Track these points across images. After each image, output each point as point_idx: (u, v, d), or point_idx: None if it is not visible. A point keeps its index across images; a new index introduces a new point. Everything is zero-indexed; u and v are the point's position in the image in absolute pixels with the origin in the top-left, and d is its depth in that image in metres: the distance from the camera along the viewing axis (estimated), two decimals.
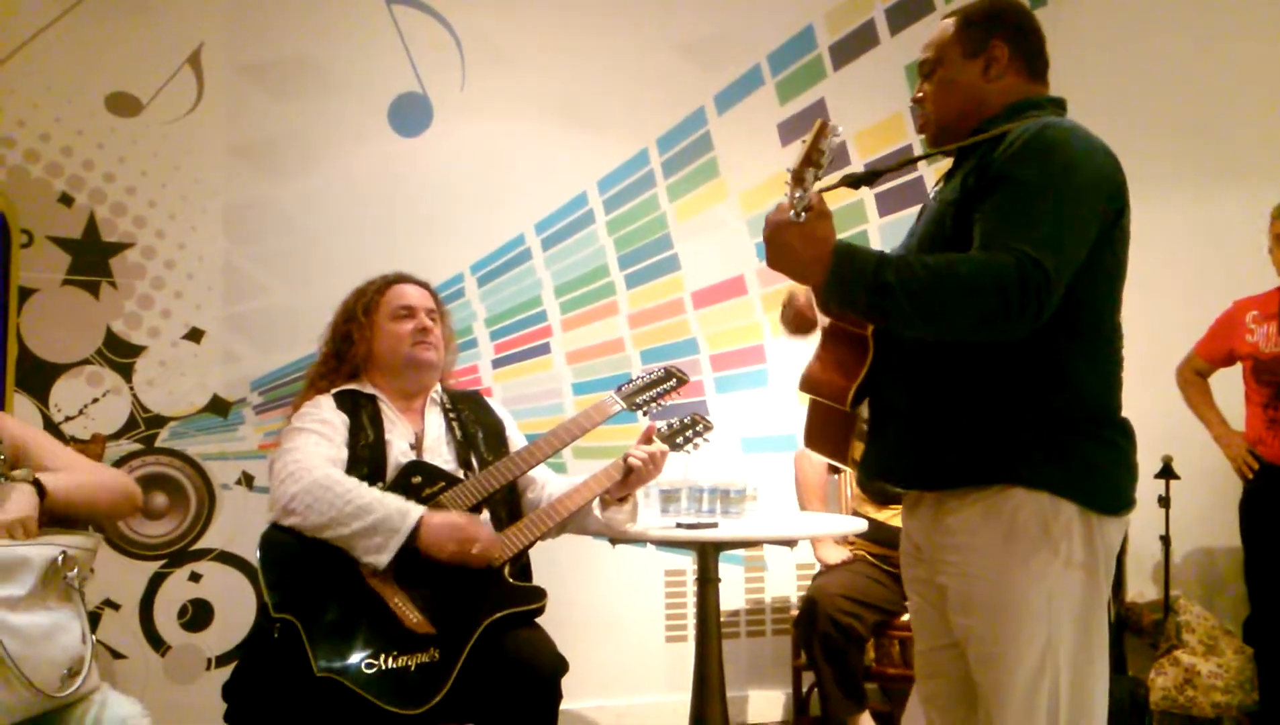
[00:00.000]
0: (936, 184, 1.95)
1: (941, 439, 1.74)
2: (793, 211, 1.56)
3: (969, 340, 1.67)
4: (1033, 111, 1.79)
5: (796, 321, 2.08)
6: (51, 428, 3.43)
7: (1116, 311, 1.76)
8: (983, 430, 1.70)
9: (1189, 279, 4.14)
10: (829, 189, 1.67)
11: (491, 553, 2.29)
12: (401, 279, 2.67)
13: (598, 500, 2.59)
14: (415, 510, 2.26)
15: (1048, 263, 1.55)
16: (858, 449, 1.93)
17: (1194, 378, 3.84)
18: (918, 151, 3.83)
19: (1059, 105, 1.85)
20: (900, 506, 2.00)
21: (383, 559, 2.19)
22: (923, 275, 1.55)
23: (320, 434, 2.39)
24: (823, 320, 1.93)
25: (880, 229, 4.17)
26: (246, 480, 3.62)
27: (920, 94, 1.90)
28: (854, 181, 1.87)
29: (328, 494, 2.23)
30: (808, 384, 1.86)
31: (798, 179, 1.57)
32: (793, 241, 1.59)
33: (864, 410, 1.89)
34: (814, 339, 1.97)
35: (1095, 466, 1.71)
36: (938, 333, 1.64)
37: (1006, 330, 1.57)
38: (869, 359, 1.81)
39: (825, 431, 1.88)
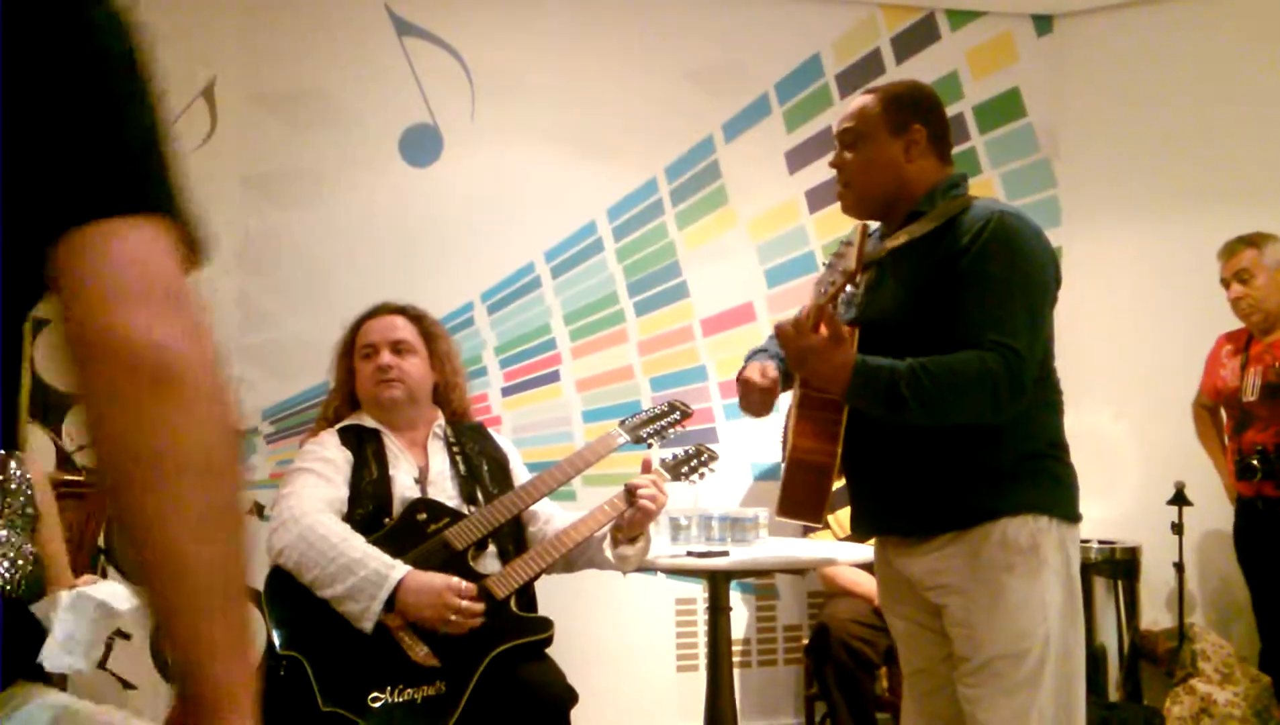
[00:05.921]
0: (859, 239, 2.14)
1: (934, 490, 1.96)
2: (827, 308, 1.79)
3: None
4: (953, 192, 2.00)
5: (761, 407, 2.11)
6: (64, 458, 3.45)
7: (1052, 356, 2.02)
8: (969, 477, 1.93)
9: (1199, 310, 4.10)
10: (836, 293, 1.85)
11: (469, 623, 2.22)
12: (372, 313, 2.60)
13: (608, 539, 2.53)
14: (396, 574, 2.20)
15: (1025, 352, 1.83)
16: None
17: (1200, 412, 3.82)
18: None
19: (965, 181, 2.06)
20: None
21: (366, 625, 2.16)
22: (930, 387, 1.80)
23: (319, 474, 2.38)
24: (787, 397, 2.09)
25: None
26: (257, 510, 3.62)
27: (839, 161, 2.04)
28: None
29: (312, 551, 2.20)
30: (797, 453, 1.99)
31: (840, 280, 1.77)
32: (818, 365, 1.83)
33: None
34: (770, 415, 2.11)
35: (1061, 482, 1.99)
36: (940, 425, 1.88)
37: (999, 418, 1.86)
38: (844, 419, 1.96)
39: (804, 497, 2.01)
